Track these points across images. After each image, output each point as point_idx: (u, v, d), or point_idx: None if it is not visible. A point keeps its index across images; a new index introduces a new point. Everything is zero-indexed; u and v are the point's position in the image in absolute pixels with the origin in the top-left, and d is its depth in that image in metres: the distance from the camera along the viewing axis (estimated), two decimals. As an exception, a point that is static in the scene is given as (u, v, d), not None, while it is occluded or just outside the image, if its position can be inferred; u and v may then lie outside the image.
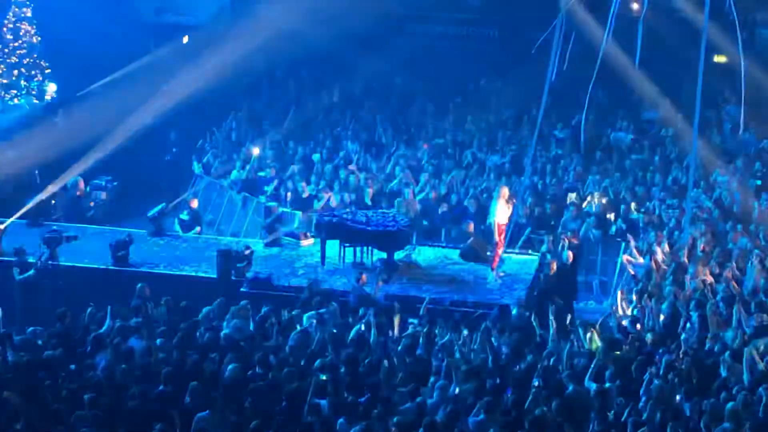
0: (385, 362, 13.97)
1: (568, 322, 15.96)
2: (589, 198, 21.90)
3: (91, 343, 14.34)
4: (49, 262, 18.69)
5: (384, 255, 19.57)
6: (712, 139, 24.34)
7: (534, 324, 15.62)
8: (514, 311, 16.96)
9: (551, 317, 15.47)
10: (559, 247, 19.24)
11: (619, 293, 17.74)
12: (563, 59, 20.25)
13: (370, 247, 19.85)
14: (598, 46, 20.33)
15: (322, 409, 12.59)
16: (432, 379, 13.54)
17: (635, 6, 23.32)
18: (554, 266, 18.60)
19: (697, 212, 20.33)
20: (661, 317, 16.24)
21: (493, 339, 14.82)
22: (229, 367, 13.50)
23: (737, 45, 19.86)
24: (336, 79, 28.00)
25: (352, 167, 23.45)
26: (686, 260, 18.19)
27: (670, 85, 23.52)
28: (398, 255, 19.79)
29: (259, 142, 24.68)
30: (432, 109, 27.10)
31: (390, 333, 15.53)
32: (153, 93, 25.02)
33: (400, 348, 14.63)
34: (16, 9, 26.78)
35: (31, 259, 18.63)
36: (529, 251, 20.63)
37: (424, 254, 20.51)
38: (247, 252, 19.24)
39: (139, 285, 16.79)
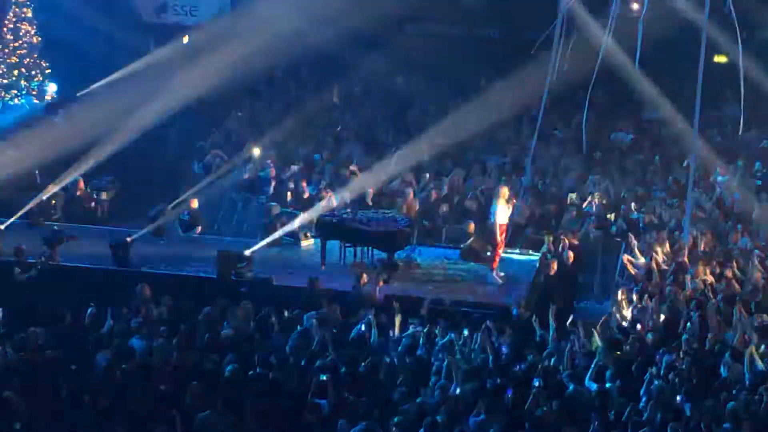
0: (386, 362, 13.97)
1: (568, 322, 15.96)
2: (589, 198, 21.90)
3: (92, 343, 14.35)
4: (49, 262, 18.68)
5: (384, 255, 19.57)
6: (712, 139, 24.34)
7: (534, 324, 15.62)
8: (514, 311, 16.96)
9: (551, 317, 15.48)
10: (560, 247, 19.25)
11: (619, 293, 17.72)
12: (563, 59, 20.25)
13: (370, 247, 19.85)
14: (598, 46, 20.33)
15: (322, 409, 12.59)
16: (432, 379, 13.54)
17: (635, 6, 23.27)
18: (554, 266, 18.61)
19: (698, 212, 20.32)
20: (662, 317, 16.24)
21: (493, 339, 14.83)
22: (229, 367, 13.50)
23: (737, 45, 19.87)
24: (336, 79, 27.99)
25: (352, 167, 23.44)
26: (687, 260, 18.19)
27: (670, 85, 23.47)
28: (398, 255, 19.80)
29: (259, 142, 24.68)
30: (432, 109, 27.08)
31: (390, 333, 15.54)
32: (153, 93, 24.97)
33: (400, 348, 14.63)
34: (16, 9, 26.75)
35: (31, 259, 18.63)
36: (529, 251, 20.64)
37: (424, 254, 20.52)
38: (247, 252, 19.22)
39: (139, 285, 16.78)
